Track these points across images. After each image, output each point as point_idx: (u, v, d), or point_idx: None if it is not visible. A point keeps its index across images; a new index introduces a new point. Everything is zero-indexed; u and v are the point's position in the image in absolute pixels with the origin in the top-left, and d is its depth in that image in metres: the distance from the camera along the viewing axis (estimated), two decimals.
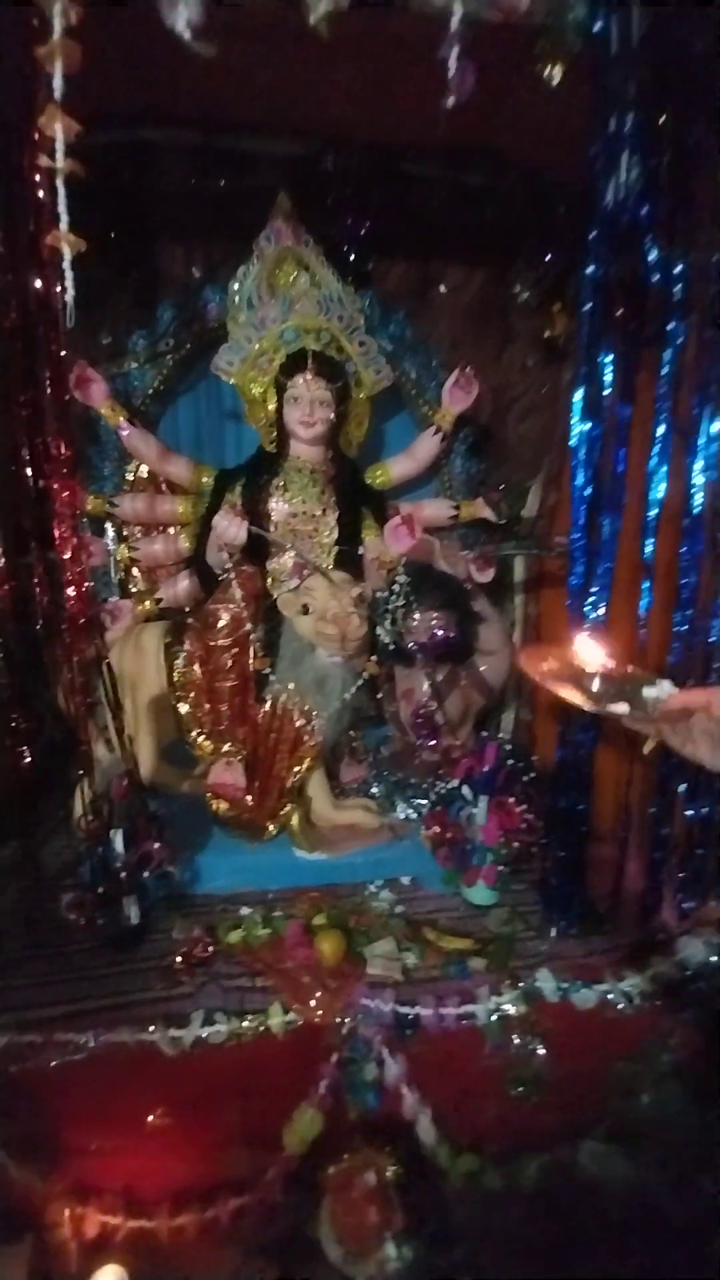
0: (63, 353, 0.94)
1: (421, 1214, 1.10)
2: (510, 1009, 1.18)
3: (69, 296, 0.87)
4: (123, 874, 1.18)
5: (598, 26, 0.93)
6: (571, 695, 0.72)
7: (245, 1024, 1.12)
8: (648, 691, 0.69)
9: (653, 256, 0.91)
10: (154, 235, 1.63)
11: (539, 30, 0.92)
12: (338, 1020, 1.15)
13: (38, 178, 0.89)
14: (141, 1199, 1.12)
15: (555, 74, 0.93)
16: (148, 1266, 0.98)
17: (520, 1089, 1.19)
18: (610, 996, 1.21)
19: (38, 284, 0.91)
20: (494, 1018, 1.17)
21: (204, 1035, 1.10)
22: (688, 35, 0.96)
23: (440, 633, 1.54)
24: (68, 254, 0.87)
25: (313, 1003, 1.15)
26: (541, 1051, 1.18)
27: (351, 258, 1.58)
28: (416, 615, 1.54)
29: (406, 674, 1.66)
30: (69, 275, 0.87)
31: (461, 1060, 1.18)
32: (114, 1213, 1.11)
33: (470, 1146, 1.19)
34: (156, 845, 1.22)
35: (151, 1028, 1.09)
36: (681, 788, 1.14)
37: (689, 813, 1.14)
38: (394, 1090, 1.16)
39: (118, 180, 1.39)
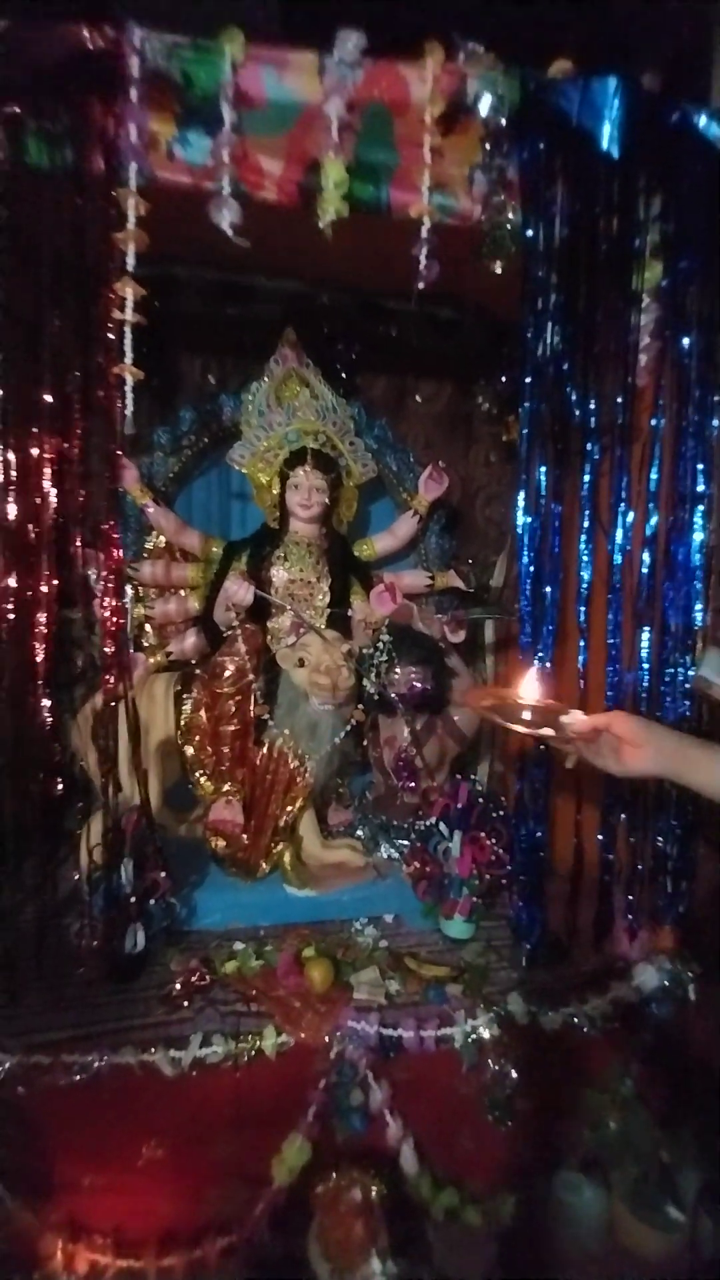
0: (119, 453, 1.17)
1: (405, 1231, 1.15)
2: (484, 1031, 1.25)
3: (129, 411, 1.12)
4: (131, 899, 1.27)
5: (528, 233, 1.27)
6: (507, 723, 0.88)
7: (240, 1045, 1.18)
8: (564, 719, 0.87)
9: (573, 397, 1.21)
10: (178, 351, 1.95)
11: (484, 236, 1.26)
12: (326, 1041, 1.21)
13: (109, 324, 1.16)
14: (130, 1239, 1.14)
15: (498, 267, 1.25)
16: None
17: (496, 1114, 1.26)
18: (575, 1019, 1.30)
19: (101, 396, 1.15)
20: (470, 1039, 1.24)
21: (202, 1056, 1.15)
22: (597, 241, 1.31)
23: (419, 685, 1.71)
24: (129, 381, 1.12)
25: (303, 1024, 1.22)
26: (514, 1074, 1.26)
27: (343, 375, 1.90)
28: (398, 670, 1.71)
29: (389, 723, 1.82)
30: (129, 397, 1.12)
31: (441, 1084, 1.24)
32: (103, 1252, 1.13)
33: (451, 1179, 1.24)
34: (162, 875, 1.33)
35: (153, 1049, 1.14)
36: (623, 817, 1.32)
37: (630, 840, 1.31)
38: (379, 1115, 1.22)
39: (148, 306, 1.70)
